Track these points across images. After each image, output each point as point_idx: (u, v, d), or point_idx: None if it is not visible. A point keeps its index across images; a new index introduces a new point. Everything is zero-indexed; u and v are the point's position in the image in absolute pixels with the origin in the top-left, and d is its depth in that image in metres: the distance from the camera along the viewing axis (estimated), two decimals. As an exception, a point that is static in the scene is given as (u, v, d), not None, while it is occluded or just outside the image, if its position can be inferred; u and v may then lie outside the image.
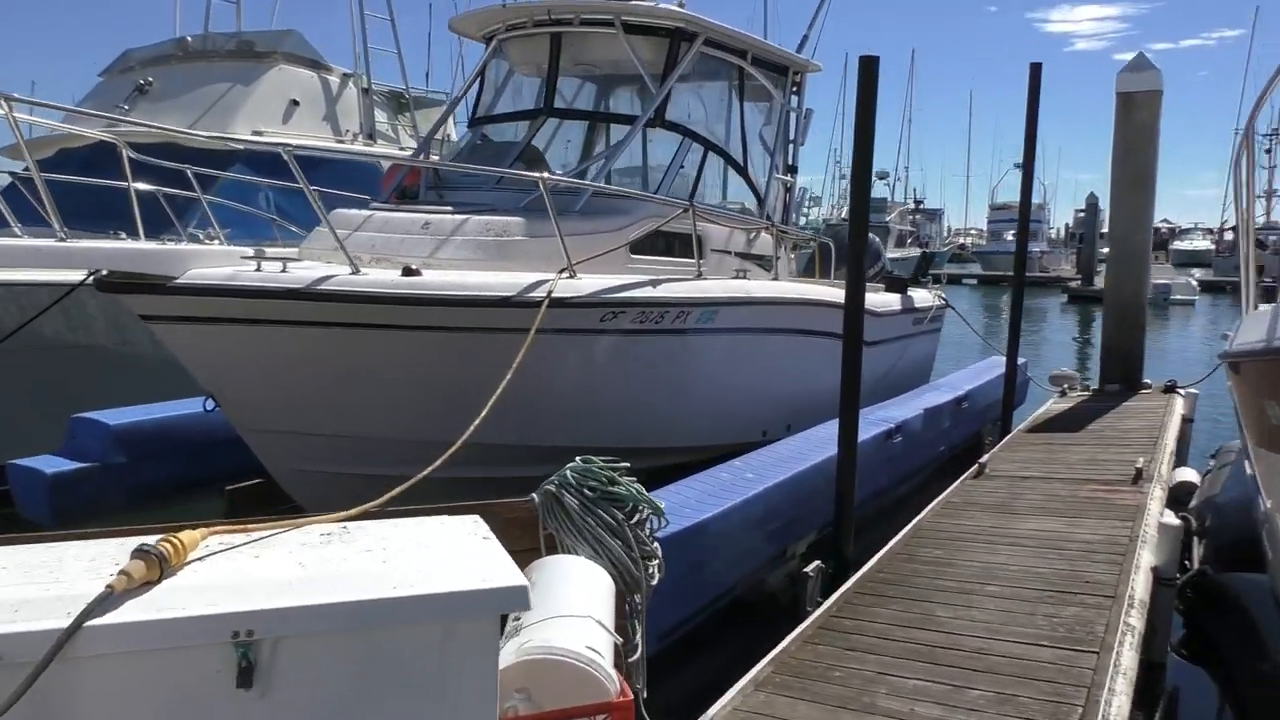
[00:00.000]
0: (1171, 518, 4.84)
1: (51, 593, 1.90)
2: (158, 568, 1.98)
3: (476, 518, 2.67)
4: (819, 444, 5.57)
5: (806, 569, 4.98)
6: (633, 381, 5.29)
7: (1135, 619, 4.00)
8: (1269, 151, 58.56)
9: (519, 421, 4.68)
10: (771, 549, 4.82)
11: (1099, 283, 33.69)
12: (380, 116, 12.64)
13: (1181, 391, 10.81)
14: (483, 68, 6.89)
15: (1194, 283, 37.54)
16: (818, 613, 4.19)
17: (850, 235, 4.85)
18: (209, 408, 4.21)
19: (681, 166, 6.27)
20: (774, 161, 7.37)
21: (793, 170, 7.66)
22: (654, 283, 5.15)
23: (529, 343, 3.86)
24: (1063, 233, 68.31)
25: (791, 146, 7.59)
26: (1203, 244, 62.81)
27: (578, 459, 3.11)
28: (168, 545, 2.03)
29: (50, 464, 5.20)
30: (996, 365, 11.06)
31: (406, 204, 5.70)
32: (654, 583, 3.07)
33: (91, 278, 3.95)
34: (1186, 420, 9.41)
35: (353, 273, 3.92)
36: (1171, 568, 4.78)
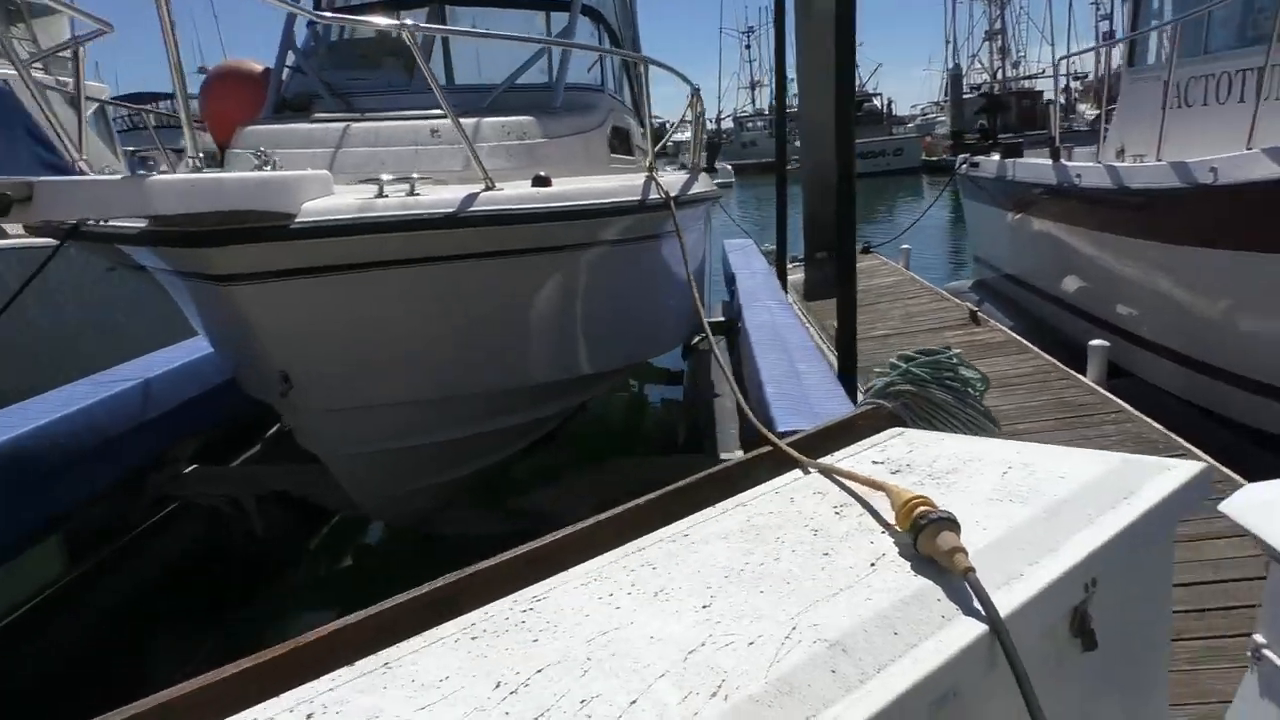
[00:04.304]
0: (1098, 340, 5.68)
1: None
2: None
3: None
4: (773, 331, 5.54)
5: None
6: (652, 289, 4.80)
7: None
8: (747, 48, 66.92)
9: (574, 349, 4.12)
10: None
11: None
12: (-11, 28, 9.73)
13: (873, 249, 12.51)
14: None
15: (728, 166, 42.43)
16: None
17: (838, 120, 4.83)
18: (284, 391, 3.03)
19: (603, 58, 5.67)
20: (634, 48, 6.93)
21: (636, 57, 7.24)
22: (691, 180, 4.69)
23: (684, 242, 3.29)
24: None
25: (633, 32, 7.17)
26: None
27: (904, 354, 2.84)
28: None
29: None
30: (737, 247, 11.79)
31: (299, 116, 4.50)
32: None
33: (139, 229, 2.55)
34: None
35: (486, 189, 3.02)
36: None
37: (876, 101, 52.19)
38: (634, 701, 1.21)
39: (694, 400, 7.56)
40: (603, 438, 7.35)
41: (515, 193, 3.13)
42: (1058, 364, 5.77)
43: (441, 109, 4.30)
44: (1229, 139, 4.97)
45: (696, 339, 6.67)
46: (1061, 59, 12.43)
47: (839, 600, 1.43)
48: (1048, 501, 1.74)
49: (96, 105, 10.55)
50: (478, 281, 3.21)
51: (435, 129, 3.90)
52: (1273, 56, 4.85)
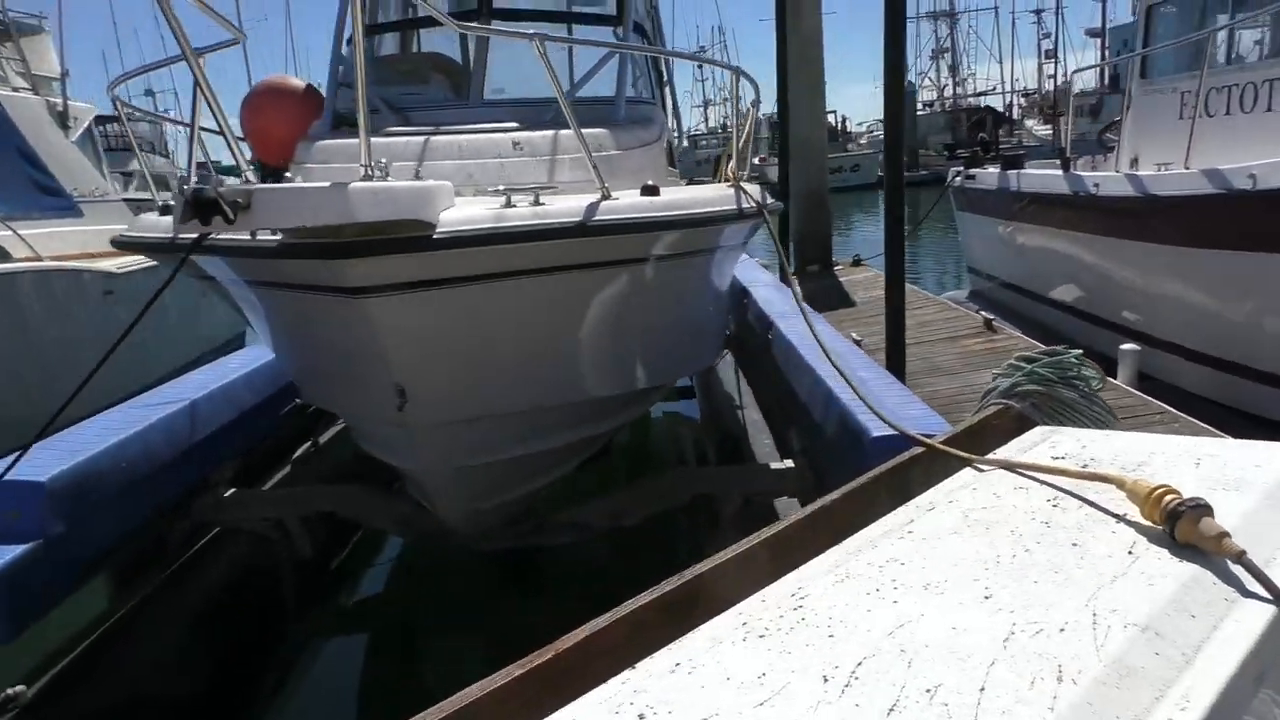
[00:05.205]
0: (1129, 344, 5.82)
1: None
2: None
3: None
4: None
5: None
6: (711, 299, 4.80)
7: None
8: (700, 67, 67.37)
9: (653, 359, 4.12)
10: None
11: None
12: (-23, 49, 9.55)
13: (863, 262, 12.63)
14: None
15: None
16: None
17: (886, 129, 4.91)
18: (400, 405, 2.98)
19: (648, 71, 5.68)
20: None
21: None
22: (764, 191, 4.71)
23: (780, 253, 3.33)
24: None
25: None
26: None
27: (1024, 355, 2.89)
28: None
29: (-21, 554, 3.32)
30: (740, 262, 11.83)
31: (347, 132, 4.45)
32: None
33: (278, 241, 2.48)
34: (908, 284, 11.02)
35: (603, 199, 3.01)
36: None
37: (831, 118, 52.88)
38: (983, 689, 1.22)
39: (713, 414, 7.53)
40: (620, 454, 7.33)
41: (633, 201, 3.15)
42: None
43: (498, 122, 4.34)
44: (1256, 147, 5.14)
45: None
46: (1075, 72, 12.77)
47: (1120, 586, 1.44)
48: (1262, 490, 1.77)
49: (86, 124, 10.36)
50: (593, 290, 3.21)
51: (518, 142, 3.90)
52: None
